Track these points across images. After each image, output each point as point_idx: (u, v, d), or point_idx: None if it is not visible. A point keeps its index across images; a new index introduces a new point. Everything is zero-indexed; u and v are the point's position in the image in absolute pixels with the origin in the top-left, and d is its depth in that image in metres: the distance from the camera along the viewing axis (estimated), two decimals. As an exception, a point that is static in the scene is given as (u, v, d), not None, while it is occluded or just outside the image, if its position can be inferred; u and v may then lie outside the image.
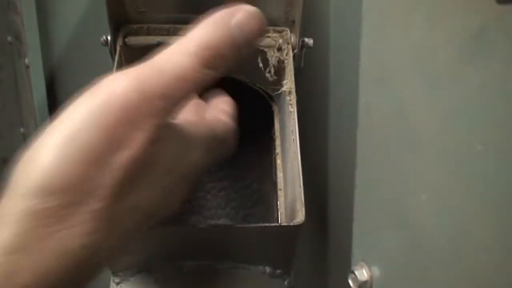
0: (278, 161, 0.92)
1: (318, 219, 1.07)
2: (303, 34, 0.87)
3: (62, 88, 1.17)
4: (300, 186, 0.73)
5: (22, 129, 1.47)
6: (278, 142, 0.94)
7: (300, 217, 0.71)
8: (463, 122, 0.42)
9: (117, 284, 0.79)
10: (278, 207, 0.89)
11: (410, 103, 0.47)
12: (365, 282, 0.56)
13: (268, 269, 0.78)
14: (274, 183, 0.94)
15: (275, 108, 0.96)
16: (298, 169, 0.75)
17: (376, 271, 0.55)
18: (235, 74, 0.94)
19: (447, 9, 0.43)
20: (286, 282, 0.80)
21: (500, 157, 0.40)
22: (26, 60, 1.18)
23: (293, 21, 0.86)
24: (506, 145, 0.40)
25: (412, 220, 0.49)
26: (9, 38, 1.23)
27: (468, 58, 0.41)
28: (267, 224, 0.71)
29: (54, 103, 1.20)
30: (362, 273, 0.56)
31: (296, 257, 0.81)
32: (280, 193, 0.90)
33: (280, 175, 0.91)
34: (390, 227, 0.53)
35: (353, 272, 0.57)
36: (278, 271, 0.79)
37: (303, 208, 0.71)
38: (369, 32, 0.51)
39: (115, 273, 0.78)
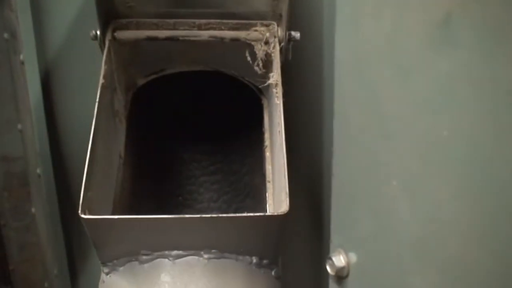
0: (267, 154, 0.93)
1: (311, 209, 1.08)
2: (293, 27, 0.88)
3: (57, 83, 1.18)
4: (284, 177, 0.74)
5: (19, 126, 1.49)
6: (267, 135, 0.95)
7: (284, 207, 0.72)
8: (431, 109, 0.43)
9: (107, 274, 0.80)
10: (267, 199, 0.90)
11: (382, 92, 0.48)
12: (342, 268, 0.56)
13: (255, 259, 0.79)
14: (264, 176, 0.95)
15: (265, 102, 0.97)
16: (283, 160, 0.76)
17: (353, 257, 0.56)
18: (224, 68, 0.95)
19: (415, -2, 0.43)
20: (273, 272, 0.81)
21: (466, 142, 0.41)
22: (21, 57, 1.19)
23: (280, 15, 0.87)
24: (472, 130, 0.41)
25: (385, 207, 0.50)
26: (5, 35, 1.25)
27: (435, 46, 0.42)
28: (251, 214, 0.72)
29: (50, 98, 1.21)
30: (339, 259, 0.57)
31: (287, 246, 0.82)
32: (269, 185, 0.91)
33: (269, 167, 0.92)
34: (365, 214, 0.54)
35: (330, 258, 0.58)
36: (265, 261, 0.79)
37: (287, 199, 0.72)
38: (343, 24, 0.52)
39: (104, 263, 0.79)
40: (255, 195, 1.03)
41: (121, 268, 0.79)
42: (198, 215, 0.71)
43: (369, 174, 0.52)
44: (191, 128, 1.11)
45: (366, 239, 0.55)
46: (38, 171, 1.37)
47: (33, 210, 1.65)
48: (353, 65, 0.53)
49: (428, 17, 0.42)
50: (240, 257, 0.78)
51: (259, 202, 0.98)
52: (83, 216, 0.71)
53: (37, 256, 1.85)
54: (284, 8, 0.85)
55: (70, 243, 1.33)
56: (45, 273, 1.72)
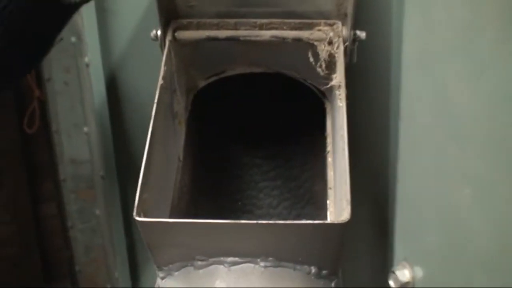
0: (329, 159, 0.89)
1: (375, 218, 1.02)
2: (358, 26, 0.84)
3: (122, 85, 1.19)
4: (346, 183, 0.70)
5: (85, 129, 1.51)
6: (329, 140, 0.91)
7: (345, 215, 0.68)
8: (508, 108, 0.38)
9: (162, 278, 0.78)
10: (328, 206, 0.87)
11: (453, 88, 0.44)
12: (406, 283, 0.52)
13: (313, 269, 0.75)
14: (326, 182, 0.91)
15: (328, 105, 0.94)
16: (346, 166, 0.72)
17: (419, 271, 0.51)
18: (286, 70, 0.92)
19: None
20: (333, 284, 0.77)
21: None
22: (86, 59, 1.21)
23: (345, 14, 0.83)
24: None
25: (455, 217, 0.45)
26: (73, 39, 1.27)
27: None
28: (310, 222, 0.69)
29: (114, 100, 1.21)
30: (404, 274, 0.53)
31: (348, 257, 0.78)
32: (330, 192, 0.87)
33: (330, 173, 0.88)
34: (433, 225, 0.49)
35: (393, 272, 0.53)
36: (325, 271, 0.76)
37: (349, 207, 0.68)
38: (412, 16, 0.48)
39: (159, 268, 0.78)
40: (316, 202, 1.00)
41: (176, 273, 0.77)
42: (255, 221, 0.69)
43: (437, 180, 0.48)
44: (252, 132, 1.08)
45: (433, 252, 0.50)
46: (102, 173, 1.39)
47: (97, 212, 1.67)
48: (422, 60, 0.48)
49: (506, 5, 0.37)
50: (298, 266, 0.75)
51: (320, 209, 0.94)
52: (137, 218, 0.69)
53: (101, 258, 1.88)
54: (349, 6, 0.82)
55: (132, 246, 1.34)
56: (108, 275, 1.75)
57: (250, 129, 1.08)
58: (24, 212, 2.14)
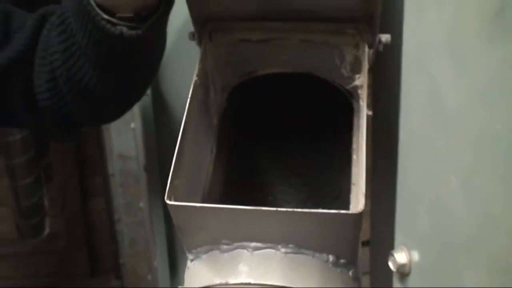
0: (354, 156, 0.93)
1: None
2: (384, 30, 0.88)
3: (165, 82, 1.25)
4: (362, 178, 0.75)
5: (132, 124, 1.59)
6: (355, 138, 0.95)
7: (360, 207, 0.72)
8: (485, 102, 0.42)
9: (191, 261, 0.84)
10: (351, 201, 0.90)
11: (442, 83, 0.48)
12: (403, 265, 0.56)
13: (331, 258, 0.79)
14: (352, 178, 0.95)
15: (355, 105, 0.98)
16: (362, 162, 0.76)
17: (415, 255, 0.55)
18: (315, 71, 0.96)
19: (474, -12, 0.43)
20: (350, 273, 0.81)
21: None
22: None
23: (371, 17, 0.87)
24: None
25: (444, 204, 0.49)
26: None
27: (489, 36, 0.41)
28: (324, 211, 0.73)
29: (158, 97, 1.28)
30: (401, 256, 0.57)
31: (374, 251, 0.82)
32: (354, 188, 0.91)
33: (354, 170, 0.92)
34: (426, 211, 0.53)
35: (392, 255, 0.57)
36: (342, 260, 0.80)
37: (363, 198, 0.72)
38: (410, 15, 0.52)
39: (189, 251, 0.83)
40: (344, 197, 1.04)
41: (204, 256, 0.83)
42: (274, 208, 0.74)
43: (430, 170, 0.52)
44: (286, 129, 1.13)
45: (426, 238, 0.54)
46: (145, 166, 1.46)
47: (141, 205, 1.75)
48: (418, 57, 0.53)
49: (485, 6, 0.42)
50: (317, 254, 0.79)
51: (347, 205, 0.98)
52: (168, 202, 0.75)
53: (144, 250, 1.96)
54: (375, 10, 0.86)
55: (171, 236, 1.40)
56: (149, 267, 1.82)
57: (283, 126, 1.13)
58: (74, 206, 2.22)
